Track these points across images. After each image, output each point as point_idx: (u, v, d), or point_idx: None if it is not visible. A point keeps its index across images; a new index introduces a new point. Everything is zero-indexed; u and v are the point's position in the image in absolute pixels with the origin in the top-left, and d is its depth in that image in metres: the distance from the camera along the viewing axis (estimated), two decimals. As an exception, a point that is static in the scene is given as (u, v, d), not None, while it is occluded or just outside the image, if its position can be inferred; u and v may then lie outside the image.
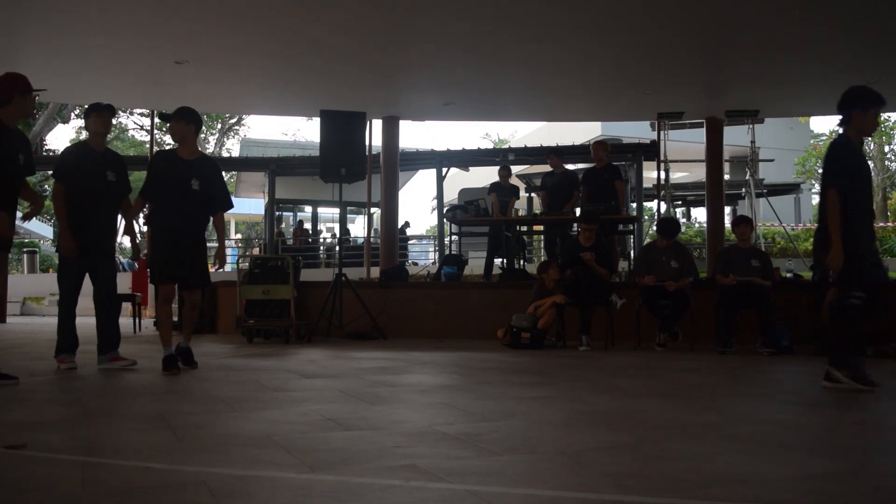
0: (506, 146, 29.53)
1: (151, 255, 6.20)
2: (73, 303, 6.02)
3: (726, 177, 17.93)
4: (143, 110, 24.07)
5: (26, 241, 32.03)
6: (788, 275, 10.47)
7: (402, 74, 11.97)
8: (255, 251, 26.81)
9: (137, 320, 11.28)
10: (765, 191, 18.35)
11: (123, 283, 12.56)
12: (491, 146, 34.52)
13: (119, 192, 6.14)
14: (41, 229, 34.70)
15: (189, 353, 6.09)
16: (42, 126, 25.28)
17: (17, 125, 5.26)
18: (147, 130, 20.38)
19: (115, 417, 4.01)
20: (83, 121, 6.53)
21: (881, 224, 26.59)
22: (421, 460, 2.90)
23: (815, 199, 35.14)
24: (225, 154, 36.46)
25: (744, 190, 19.08)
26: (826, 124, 30.65)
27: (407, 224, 21.99)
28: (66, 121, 29.87)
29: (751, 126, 15.03)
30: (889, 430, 3.82)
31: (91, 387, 5.17)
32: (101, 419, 3.94)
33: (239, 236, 47.20)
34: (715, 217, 14.11)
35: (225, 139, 38.56)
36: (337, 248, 16.16)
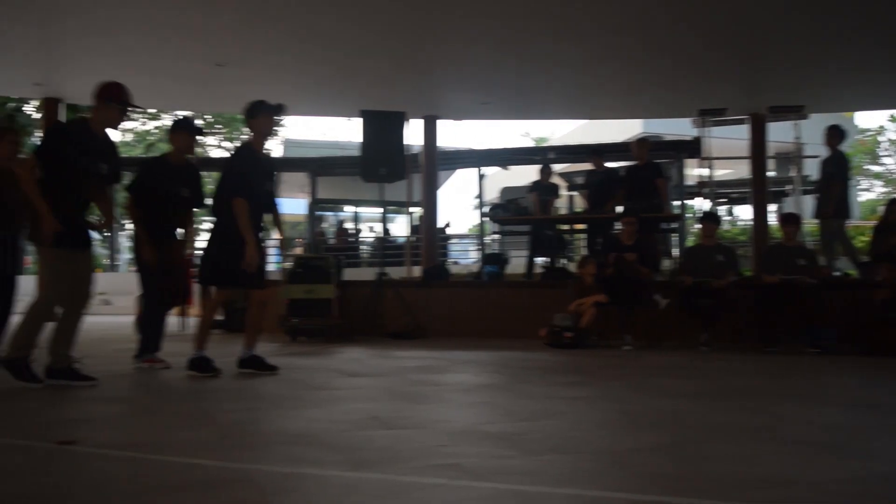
0: (545, 144, 29.42)
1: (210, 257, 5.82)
2: (157, 305, 6.12)
3: (771, 173, 17.67)
4: (185, 113, 24.38)
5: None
6: (837, 273, 10.30)
7: (441, 74, 11.98)
8: (298, 251, 27.01)
9: (182, 319, 11.41)
10: (810, 187, 18.04)
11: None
12: (530, 144, 34.41)
13: (191, 205, 6.19)
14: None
15: (261, 359, 5.84)
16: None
17: (104, 132, 5.16)
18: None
19: (161, 415, 4.07)
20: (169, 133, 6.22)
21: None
22: (464, 459, 2.91)
23: (862, 196, 34.53)
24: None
25: (789, 187, 18.79)
26: (872, 119, 30.13)
27: (448, 224, 21.97)
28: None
29: (795, 122, 14.80)
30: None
31: (137, 385, 5.26)
32: (148, 416, 4.01)
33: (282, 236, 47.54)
34: (759, 215, 13.91)
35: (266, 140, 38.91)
36: (371, 247, 16.27)
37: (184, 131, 6.12)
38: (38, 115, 24.65)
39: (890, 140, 29.74)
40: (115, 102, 5.05)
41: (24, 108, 26.32)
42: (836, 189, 9.86)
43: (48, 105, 12.85)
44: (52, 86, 12.03)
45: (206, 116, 28.42)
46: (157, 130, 32.09)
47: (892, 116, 29.51)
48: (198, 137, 6.35)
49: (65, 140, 4.93)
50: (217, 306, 5.94)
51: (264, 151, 5.79)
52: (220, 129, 31.97)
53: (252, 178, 5.53)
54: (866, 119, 29.36)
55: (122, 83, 5.13)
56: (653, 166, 10.71)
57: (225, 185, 5.57)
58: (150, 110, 29.29)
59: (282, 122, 6.29)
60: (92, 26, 9.66)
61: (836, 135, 10.12)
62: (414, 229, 15.36)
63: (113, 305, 16.04)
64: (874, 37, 9.78)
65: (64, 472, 2.75)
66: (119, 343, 5.77)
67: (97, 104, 5.03)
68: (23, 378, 4.80)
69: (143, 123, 31.52)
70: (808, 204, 19.33)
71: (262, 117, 5.65)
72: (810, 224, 16.06)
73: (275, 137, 6.53)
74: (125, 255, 31.38)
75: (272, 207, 5.83)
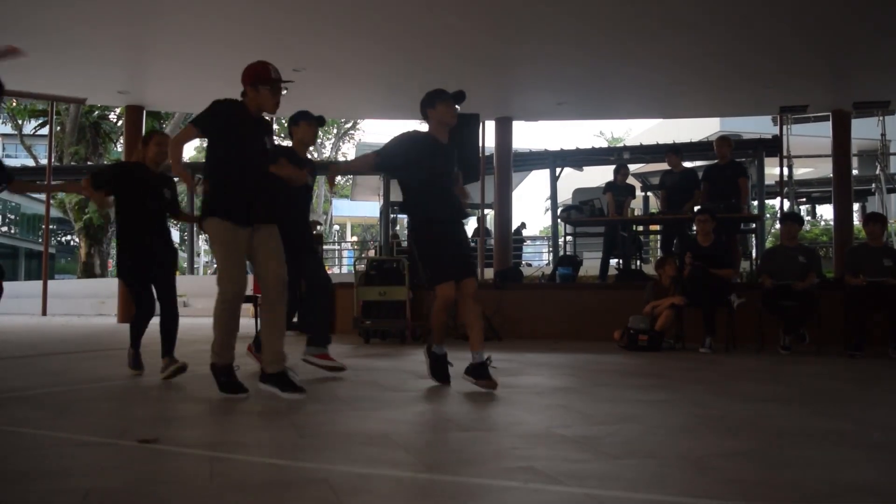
0: (620, 144, 29.09)
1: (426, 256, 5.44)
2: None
3: (854, 172, 17.18)
4: (266, 117, 24.81)
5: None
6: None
7: (515, 75, 11.96)
8: (371, 253, 27.28)
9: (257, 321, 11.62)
10: (896, 186, 17.50)
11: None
12: (605, 145, 34.08)
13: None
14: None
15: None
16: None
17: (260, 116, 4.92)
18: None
19: (239, 415, 4.14)
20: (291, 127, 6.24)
21: None
22: (539, 462, 2.88)
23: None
24: (341, 158, 37.27)
25: (874, 185, 18.25)
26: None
27: (523, 225, 21.90)
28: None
29: (881, 118, 14.34)
30: None
31: (213, 386, 5.36)
32: (226, 416, 4.08)
33: (355, 239, 48.14)
34: (842, 214, 13.53)
35: (341, 143, 39.39)
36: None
37: (304, 121, 6.12)
38: (120, 123, 25.46)
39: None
40: (261, 85, 4.79)
41: (108, 115, 27.15)
42: None
43: (130, 113, 13.23)
44: (134, 93, 12.40)
45: (283, 121, 28.89)
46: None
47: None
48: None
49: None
50: (446, 303, 5.40)
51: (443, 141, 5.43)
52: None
53: (436, 167, 5.32)
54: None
55: (265, 62, 4.90)
56: (735, 165, 10.50)
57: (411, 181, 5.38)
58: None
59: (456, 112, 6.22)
60: (174, 34, 9.93)
61: None
62: (475, 231, 15.35)
63: (191, 307, 16.45)
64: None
65: (145, 469, 2.82)
66: (199, 344, 5.86)
67: (248, 91, 4.81)
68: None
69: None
70: (895, 203, 18.77)
71: (440, 106, 5.35)
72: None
73: (452, 125, 6.49)
74: (203, 259, 32.11)
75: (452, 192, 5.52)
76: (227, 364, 4.59)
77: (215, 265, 4.94)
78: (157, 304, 5.76)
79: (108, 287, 18.31)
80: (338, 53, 10.79)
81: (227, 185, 4.60)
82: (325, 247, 14.57)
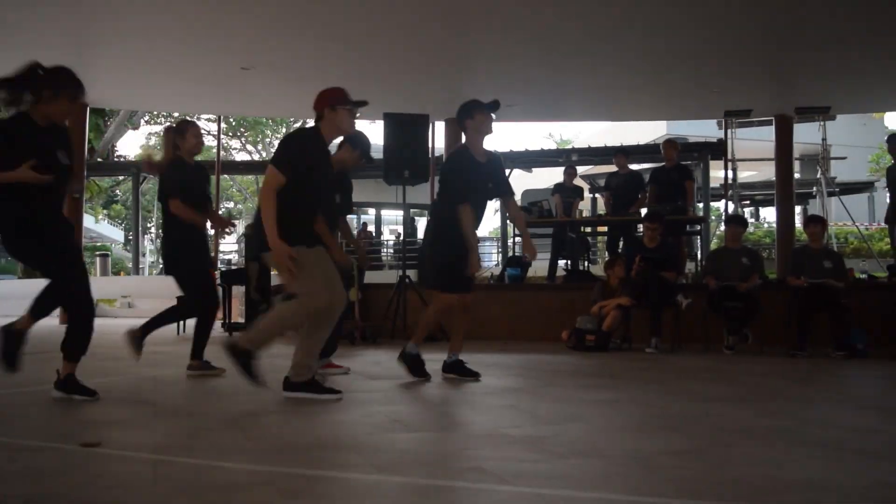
0: (569, 146, 29.32)
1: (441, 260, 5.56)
2: None
3: (796, 175, 17.54)
4: (210, 115, 24.54)
5: (98, 244, 32.91)
6: (862, 276, 10.19)
7: (465, 76, 11.98)
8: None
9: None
10: (837, 189, 17.89)
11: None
12: (554, 146, 34.34)
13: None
14: (112, 233, 35.67)
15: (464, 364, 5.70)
16: (113, 133, 25.94)
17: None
18: (214, 135, 20.83)
19: (184, 417, 4.08)
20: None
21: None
22: (487, 462, 2.89)
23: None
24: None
25: (815, 189, 18.64)
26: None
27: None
28: (136, 127, 30.62)
29: (822, 123, 14.67)
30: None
31: (161, 388, 5.28)
32: (173, 419, 4.01)
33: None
34: (785, 217, 13.81)
35: (290, 143, 39.11)
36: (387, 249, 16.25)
37: (348, 145, 5.97)
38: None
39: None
40: (343, 105, 4.65)
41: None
42: None
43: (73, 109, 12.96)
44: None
45: (230, 120, 28.62)
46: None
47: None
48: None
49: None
50: (447, 310, 5.66)
51: (484, 151, 5.54)
52: (243, 132, 32.18)
53: (472, 181, 5.42)
54: (895, 120, 29.02)
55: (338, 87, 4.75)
56: (681, 168, 10.66)
57: (448, 189, 5.46)
58: (174, 114, 29.54)
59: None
60: (119, 30, 9.75)
61: (892, 143, 10.21)
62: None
63: (136, 308, 16.19)
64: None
65: (87, 474, 2.76)
66: (148, 346, 5.74)
67: (326, 114, 4.63)
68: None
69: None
70: (835, 206, 19.21)
71: (479, 116, 5.45)
72: (836, 226, 15.87)
73: (489, 134, 6.50)
74: (149, 259, 31.65)
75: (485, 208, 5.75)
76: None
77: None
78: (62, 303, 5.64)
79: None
80: (286, 52, 10.69)
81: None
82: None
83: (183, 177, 5.67)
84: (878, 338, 7.94)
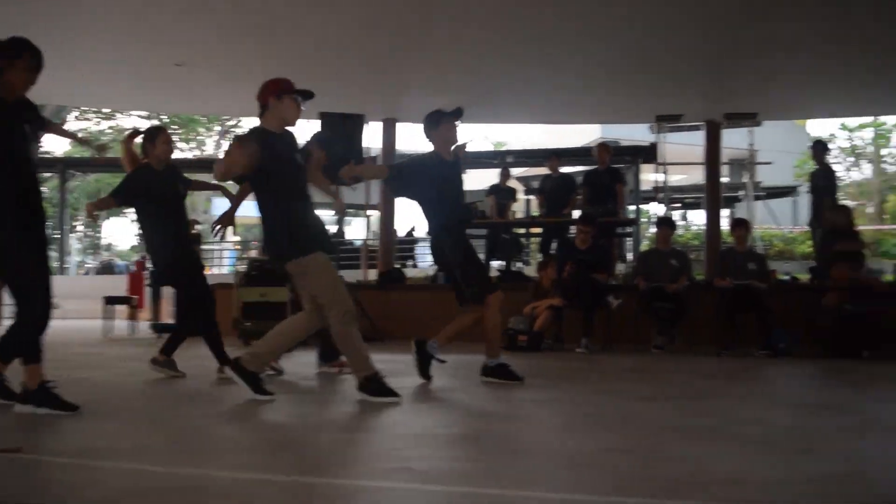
0: (504, 148, 29.49)
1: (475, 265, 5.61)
2: None
3: (724, 179, 17.91)
4: (143, 112, 24.06)
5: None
6: (786, 277, 10.47)
7: (401, 77, 11.95)
8: (253, 253, 26.81)
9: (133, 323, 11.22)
10: (763, 193, 18.35)
11: (121, 285, 12.54)
12: (490, 148, 34.49)
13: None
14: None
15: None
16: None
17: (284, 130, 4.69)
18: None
19: (112, 421, 3.99)
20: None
21: (878, 227, 26.58)
22: (418, 462, 2.89)
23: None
24: (223, 156, 36.49)
25: (742, 192, 19.05)
26: (824, 127, 30.82)
27: (413, 229, 21.96)
28: (62, 123, 29.86)
29: (749, 129, 15.01)
30: (887, 433, 3.82)
31: (86, 391, 5.15)
32: (98, 422, 3.92)
33: (238, 238, 47.15)
34: (713, 220, 14.07)
35: (223, 141, 38.56)
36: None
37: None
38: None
39: (840, 148, 30.41)
40: (288, 93, 4.63)
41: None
42: (828, 201, 10.17)
43: None
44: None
45: (162, 117, 28.10)
46: (110, 131, 31.57)
47: (842, 125, 30.18)
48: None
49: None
50: (500, 309, 5.64)
51: (449, 158, 5.61)
52: (176, 130, 31.63)
53: (446, 188, 5.48)
54: (819, 127, 29.88)
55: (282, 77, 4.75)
56: (613, 171, 10.81)
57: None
58: (104, 110, 28.88)
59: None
60: (48, 23, 9.48)
61: (822, 149, 10.50)
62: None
63: (62, 309, 15.76)
64: (826, 47, 9.97)
65: (7, 481, 2.68)
66: (73, 347, 5.61)
67: (270, 104, 4.60)
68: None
69: (97, 124, 31.02)
70: (760, 209, 19.70)
71: (444, 126, 5.55)
72: (761, 229, 16.24)
73: (456, 142, 6.47)
74: (75, 258, 30.87)
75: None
76: (374, 372, 4.52)
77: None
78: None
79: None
80: (219, 50, 10.53)
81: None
82: (203, 247, 14.23)
83: (149, 183, 5.57)
84: (799, 338, 8.15)
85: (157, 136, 5.70)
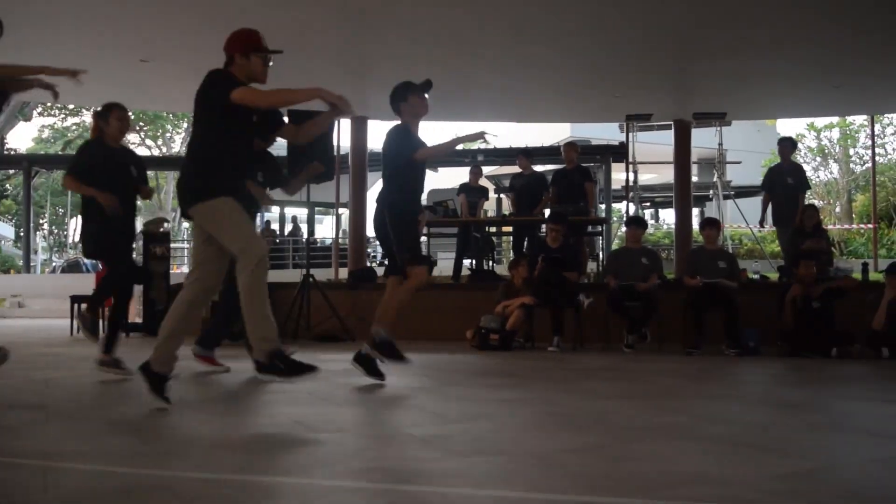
0: (475, 147, 29.50)
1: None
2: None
3: (694, 179, 18.06)
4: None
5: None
6: (755, 276, 10.56)
7: (371, 75, 11.92)
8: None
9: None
10: (732, 193, 18.53)
11: (88, 284, 12.39)
12: (460, 147, 34.54)
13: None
14: (2, 229, 34.22)
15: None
16: (3, 124, 24.90)
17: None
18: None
19: (76, 421, 3.93)
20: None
21: (846, 226, 26.95)
22: (388, 462, 2.88)
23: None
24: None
25: (711, 192, 19.24)
26: (792, 127, 31.17)
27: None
28: (28, 119, 29.45)
29: (718, 128, 15.15)
30: (854, 431, 3.85)
31: (54, 391, 5.08)
32: (63, 423, 3.86)
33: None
34: (683, 219, 14.20)
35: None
36: (288, 247, 16.11)
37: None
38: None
39: (808, 148, 30.81)
40: (258, 52, 4.39)
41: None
42: (801, 199, 10.22)
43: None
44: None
45: (129, 114, 27.81)
46: (76, 127, 31.22)
47: (809, 125, 30.59)
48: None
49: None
50: (420, 287, 5.36)
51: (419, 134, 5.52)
52: (142, 126, 31.33)
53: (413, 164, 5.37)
54: (787, 127, 30.26)
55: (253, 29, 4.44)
56: (582, 170, 10.85)
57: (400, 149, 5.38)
58: (69, 106, 28.53)
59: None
60: (12, 17, 9.32)
61: (790, 146, 10.53)
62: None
63: (27, 308, 15.56)
64: (796, 47, 10.08)
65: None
66: (37, 347, 5.51)
67: (237, 59, 4.39)
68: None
69: (63, 120, 30.66)
70: (730, 208, 19.89)
71: (412, 99, 5.41)
72: (731, 228, 16.37)
73: (424, 115, 6.25)
74: (41, 256, 30.47)
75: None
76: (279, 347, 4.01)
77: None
78: None
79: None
80: (186, 46, 10.44)
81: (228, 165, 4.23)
82: (172, 245, 14.13)
83: (95, 159, 5.51)
84: (769, 336, 8.23)
85: (110, 113, 5.65)
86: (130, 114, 6.01)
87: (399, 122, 5.50)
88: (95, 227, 5.48)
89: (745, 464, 2.96)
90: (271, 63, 4.42)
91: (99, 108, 5.79)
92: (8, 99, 4.61)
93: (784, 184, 10.33)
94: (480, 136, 5.58)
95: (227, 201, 4.07)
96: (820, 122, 30.47)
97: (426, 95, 5.45)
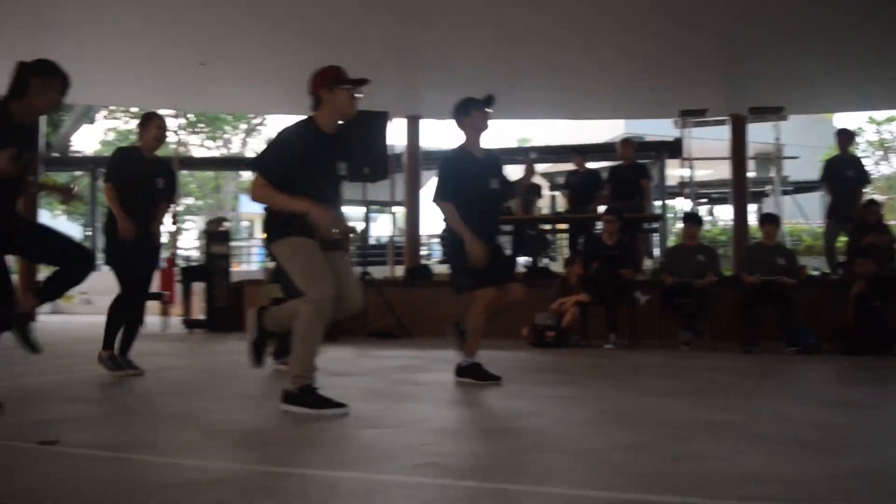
0: (528, 144, 29.43)
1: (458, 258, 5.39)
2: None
3: (751, 174, 17.77)
4: (169, 111, 24.23)
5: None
6: (815, 273, 10.38)
7: (424, 73, 11.97)
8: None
9: (165, 319, 11.36)
10: (790, 188, 18.19)
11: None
12: (513, 144, 34.46)
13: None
14: (70, 228, 35.12)
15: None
16: (70, 128, 25.53)
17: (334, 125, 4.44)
18: (173, 131, 20.54)
19: (143, 415, 4.06)
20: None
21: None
22: (447, 458, 2.92)
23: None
24: (250, 154, 36.62)
25: (769, 187, 18.91)
26: (851, 121, 30.48)
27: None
28: (92, 122, 30.13)
29: (775, 123, 14.89)
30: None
31: (119, 385, 5.23)
32: (130, 417, 3.99)
33: (265, 235, 47.30)
34: (740, 215, 13.99)
35: (248, 139, 38.76)
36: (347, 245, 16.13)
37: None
38: None
39: (868, 141, 30.06)
40: (342, 85, 4.41)
41: None
42: (860, 193, 10.03)
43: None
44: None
45: (188, 116, 28.27)
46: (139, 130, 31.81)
47: (870, 118, 29.81)
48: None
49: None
50: (485, 308, 5.37)
51: (482, 148, 5.48)
52: (202, 128, 31.83)
53: (465, 179, 5.31)
54: (845, 120, 29.55)
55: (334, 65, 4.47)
56: (637, 167, 10.78)
57: (436, 188, 5.36)
58: (132, 109, 29.10)
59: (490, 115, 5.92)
60: (76, 24, 9.60)
61: (848, 138, 10.33)
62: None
63: (94, 305, 15.96)
64: (853, 38, 9.87)
65: (45, 472, 2.74)
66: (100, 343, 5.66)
67: (323, 97, 4.36)
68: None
69: (126, 123, 31.28)
70: (788, 204, 19.53)
71: (475, 113, 5.42)
72: (790, 224, 16.04)
73: (487, 132, 6.33)
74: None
75: (493, 204, 5.58)
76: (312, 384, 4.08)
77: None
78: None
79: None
80: (243, 47, 10.60)
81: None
82: (232, 243, 14.38)
83: (130, 164, 5.57)
84: (828, 334, 8.09)
85: (150, 122, 5.65)
86: (191, 116, 6.09)
87: (461, 140, 5.51)
88: (112, 237, 5.54)
89: (801, 463, 2.94)
90: (358, 95, 4.42)
91: (141, 116, 5.82)
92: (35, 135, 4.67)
93: (843, 176, 10.11)
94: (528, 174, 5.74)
95: (292, 242, 4.09)
96: (880, 115, 29.70)
97: (488, 110, 5.45)
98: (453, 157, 5.47)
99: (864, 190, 10.22)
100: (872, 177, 15.85)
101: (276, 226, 4.18)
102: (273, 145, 4.29)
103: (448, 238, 5.45)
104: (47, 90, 4.20)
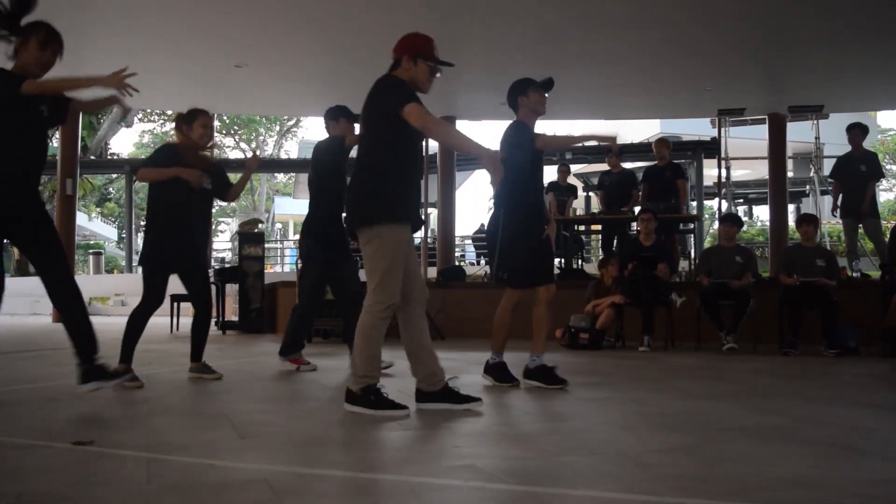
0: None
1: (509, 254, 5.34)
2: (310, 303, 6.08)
3: (790, 174, 17.57)
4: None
5: (91, 242, 32.81)
6: (855, 274, 10.21)
7: (459, 74, 11.92)
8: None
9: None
10: (830, 188, 17.93)
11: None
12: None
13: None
14: (105, 231, 35.59)
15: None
16: (107, 130, 25.89)
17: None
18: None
19: (177, 416, 4.07)
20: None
21: None
22: (480, 460, 2.89)
23: (885, 196, 34.20)
24: (283, 156, 36.91)
25: (808, 187, 18.69)
26: (894, 118, 29.83)
27: (483, 225, 22.11)
28: (129, 125, 30.55)
29: (815, 121, 14.68)
30: (963, 433, 3.70)
31: (155, 386, 5.26)
32: (162, 418, 4.00)
33: (298, 237, 47.71)
34: (778, 215, 13.84)
35: (283, 141, 39.06)
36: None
37: (343, 118, 6.14)
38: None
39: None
40: (426, 60, 4.21)
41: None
42: (872, 187, 9.86)
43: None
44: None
45: (224, 118, 28.55)
46: (175, 132, 32.20)
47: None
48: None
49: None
50: (514, 308, 5.48)
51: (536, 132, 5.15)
52: (237, 130, 32.13)
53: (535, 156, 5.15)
54: (888, 118, 29.05)
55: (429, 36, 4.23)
56: (674, 167, 10.69)
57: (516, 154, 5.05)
58: (168, 112, 29.44)
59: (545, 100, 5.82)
60: (112, 27, 9.72)
61: (859, 132, 10.10)
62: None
63: (129, 306, 16.14)
64: (891, 36, 9.72)
65: (81, 472, 2.75)
66: (139, 344, 5.68)
67: (403, 63, 4.18)
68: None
69: (162, 125, 31.66)
70: (827, 204, 19.27)
71: (533, 95, 5.13)
72: (829, 224, 15.80)
73: (542, 114, 6.17)
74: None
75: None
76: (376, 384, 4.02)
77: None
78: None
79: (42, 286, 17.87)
80: (279, 49, 10.68)
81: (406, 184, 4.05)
82: (266, 245, 14.48)
83: (174, 162, 5.29)
84: (869, 335, 7.95)
85: (196, 119, 5.47)
86: (226, 118, 6.08)
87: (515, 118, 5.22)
88: (153, 237, 5.35)
89: (843, 467, 2.88)
90: (438, 75, 4.26)
91: (184, 112, 5.61)
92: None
93: (856, 173, 9.91)
94: (611, 140, 5.45)
95: (400, 234, 3.96)
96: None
97: (546, 95, 5.19)
98: (525, 128, 5.14)
99: (875, 185, 10.01)
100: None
101: (387, 204, 3.93)
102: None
103: (507, 229, 5.19)
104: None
